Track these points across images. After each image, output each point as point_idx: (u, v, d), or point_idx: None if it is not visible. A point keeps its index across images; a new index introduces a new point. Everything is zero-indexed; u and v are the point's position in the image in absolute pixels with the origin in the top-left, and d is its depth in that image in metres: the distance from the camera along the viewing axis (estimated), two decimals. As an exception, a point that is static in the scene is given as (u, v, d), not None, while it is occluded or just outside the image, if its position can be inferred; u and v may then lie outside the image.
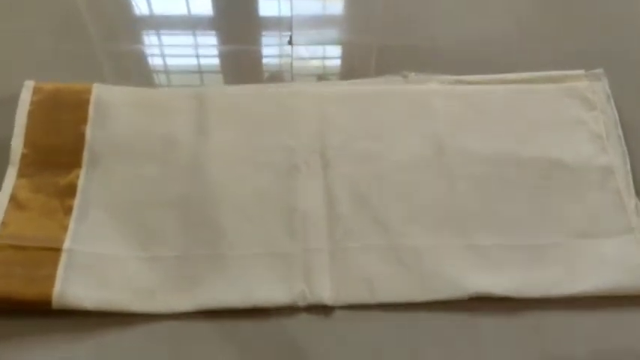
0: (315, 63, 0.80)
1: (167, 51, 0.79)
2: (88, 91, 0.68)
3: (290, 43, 0.78)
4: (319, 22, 0.85)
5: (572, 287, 0.58)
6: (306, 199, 0.63)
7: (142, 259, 0.59)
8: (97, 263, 0.58)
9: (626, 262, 0.60)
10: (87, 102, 0.67)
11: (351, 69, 0.78)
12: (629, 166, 0.66)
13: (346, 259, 0.60)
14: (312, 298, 0.57)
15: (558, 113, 0.70)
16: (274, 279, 0.58)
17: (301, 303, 0.57)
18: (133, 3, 0.84)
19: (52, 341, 0.54)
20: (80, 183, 0.63)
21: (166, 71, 0.79)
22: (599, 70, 0.73)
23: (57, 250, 0.58)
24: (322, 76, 0.77)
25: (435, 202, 0.64)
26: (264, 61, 0.80)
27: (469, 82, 0.73)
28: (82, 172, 0.64)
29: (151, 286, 0.58)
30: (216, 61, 0.81)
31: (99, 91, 0.68)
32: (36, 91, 0.67)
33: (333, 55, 0.81)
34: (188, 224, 0.61)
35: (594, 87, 0.72)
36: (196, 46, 0.79)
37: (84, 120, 0.66)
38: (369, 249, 0.61)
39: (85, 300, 0.55)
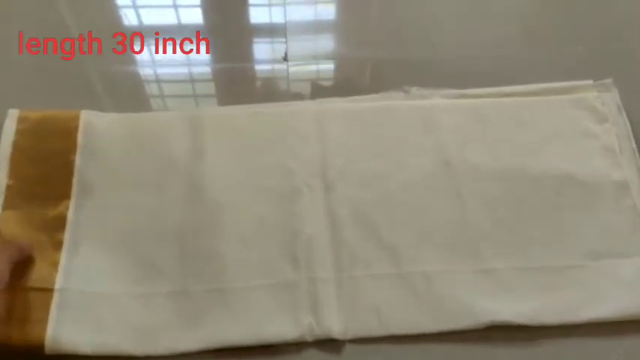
0: (312, 78, 0.77)
1: (158, 67, 0.76)
2: (76, 118, 0.65)
3: (285, 59, 0.75)
4: (314, 35, 0.82)
5: (591, 312, 0.55)
6: (310, 224, 0.61)
7: (140, 297, 0.56)
8: (92, 303, 0.55)
9: None
10: (75, 129, 0.64)
11: (348, 83, 0.75)
12: (645, 181, 0.64)
13: (353, 288, 0.57)
14: (319, 331, 0.55)
15: (567, 126, 0.68)
16: (279, 312, 0.56)
17: (309, 337, 0.54)
18: (123, 17, 0.80)
19: (46, 390, 0.52)
20: (70, 215, 0.60)
21: (158, 84, 0.76)
22: (609, 80, 0.71)
23: (48, 291, 0.55)
24: (320, 91, 0.74)
25: (444, 223, 0.61)
26: (259, 77, 0.77)
27: (474, 96, 0.70)
28: (72, 204, 0.61)
29: (150, 326, 0.55)
30: (209, 77, 0.78)
31: (87, 118, 0.65)
32: (21, 119, 0.64)
33: (329, 70, 0.78)
34: (186, 256, 0.59)
35: (604, 98, 0.69)
36: (189, 61, 0.76)
37: (72, 148, 0.63)
38: (377, 277, 0.58)
39: (80, 344, 0.52)
